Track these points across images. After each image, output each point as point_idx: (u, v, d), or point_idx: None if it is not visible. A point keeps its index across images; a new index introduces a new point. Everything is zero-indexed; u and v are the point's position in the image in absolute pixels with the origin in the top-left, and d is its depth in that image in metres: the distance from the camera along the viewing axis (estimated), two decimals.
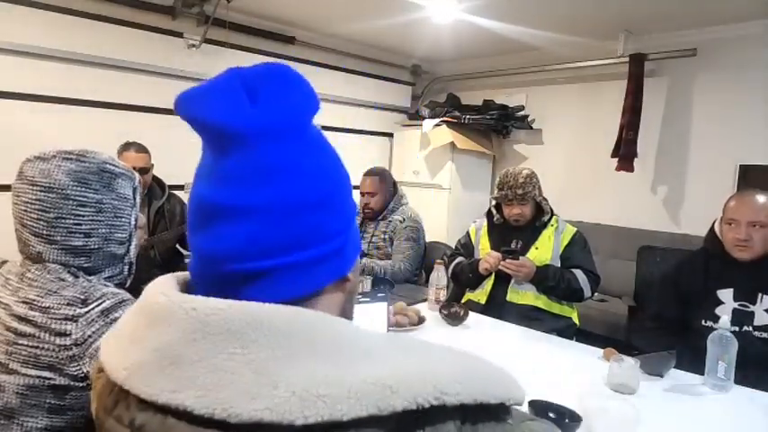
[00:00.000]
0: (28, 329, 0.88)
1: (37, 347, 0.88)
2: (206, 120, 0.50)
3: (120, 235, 1.02)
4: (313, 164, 0.53)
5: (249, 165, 0.49)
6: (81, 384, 0.90)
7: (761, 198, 1.71)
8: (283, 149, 0.51)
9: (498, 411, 0.50)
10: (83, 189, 0.96)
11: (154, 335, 0.48)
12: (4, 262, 1.03)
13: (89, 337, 0.89)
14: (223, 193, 0.50)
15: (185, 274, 0.56)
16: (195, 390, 0.44)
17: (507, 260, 2.11)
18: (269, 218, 0.49)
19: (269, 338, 0.45)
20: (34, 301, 0.90)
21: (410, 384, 0.44)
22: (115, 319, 0.92)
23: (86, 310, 0.91)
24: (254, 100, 0.50)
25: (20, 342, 0.88)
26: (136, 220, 1.06)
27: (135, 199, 1.05)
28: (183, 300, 0.48)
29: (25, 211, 0.95)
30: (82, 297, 0.92)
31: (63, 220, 0.94)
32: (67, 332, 0.88)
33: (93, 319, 0.90)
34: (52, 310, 0.89)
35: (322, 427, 0.42)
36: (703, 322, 1.76)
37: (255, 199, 0.49)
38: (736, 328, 1.69)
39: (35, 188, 0.94)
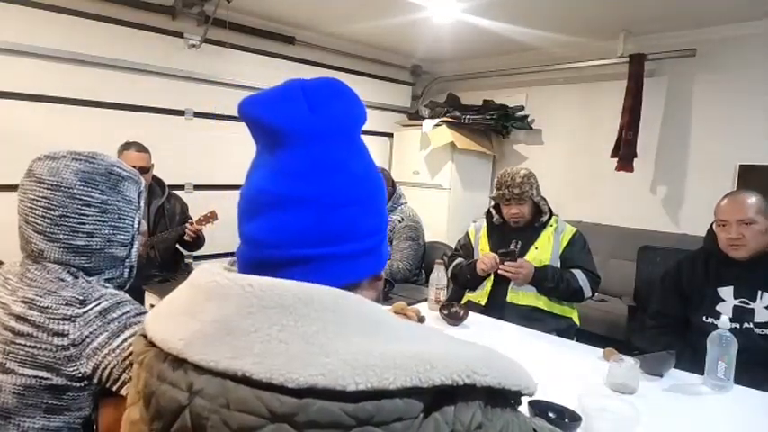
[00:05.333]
0: (26, 329, 0.88)
1: (34, 347, 0.88)
2: (270, 121, 0.56)
3: (122, 237, 1.02)
4: (361, 166, 0.60)
5: (306, 162, 0.56)
6: (78, 384, 0.90)
7: (747, 197, 1.75)
8: (335, 151, 0.57)
9: (514, 399, 0.54)
10: (89, 189, 0.97)
11: (211, 308, 0.52)
12: (0, 263, 1.03)
13: (86, 337, 0.89)
14: (280, 184, 0.55)
15: (226, 264, 0.62)
16: (252, 357, 0.48)
17: (506, 263, 2.11)
18: (320, 209, 0.55)
19: (319, 314, 0.50)
20: (33, 300, 0.90)
21: (446, 362, 0.48)
22: (113, 320, 0.92)
23: (84, 310, 0.91)
24: (312, 108, 0.57)
25: (17, 341, 0.88)
26: (139, 224, 1.06)
27: (140, 203, 1.06)
28: (239, 277, 0.53)
29: (30, 208, 0.95)
30: (80, 297, 0.92)
31: (67, 219, 0.95)
32: (65, 332, 0.88)
33: (90, 320, 0.90)
34: (50, 310, 0.89)
35: (371, 393, 0.46)
36: (704, 319, 1.78)
37: (309, 191, 0.55)
38: (737, 325, 1.70)
39: (42, 186, 0.95)
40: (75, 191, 0.95)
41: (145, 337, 0.58)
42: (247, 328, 0.50)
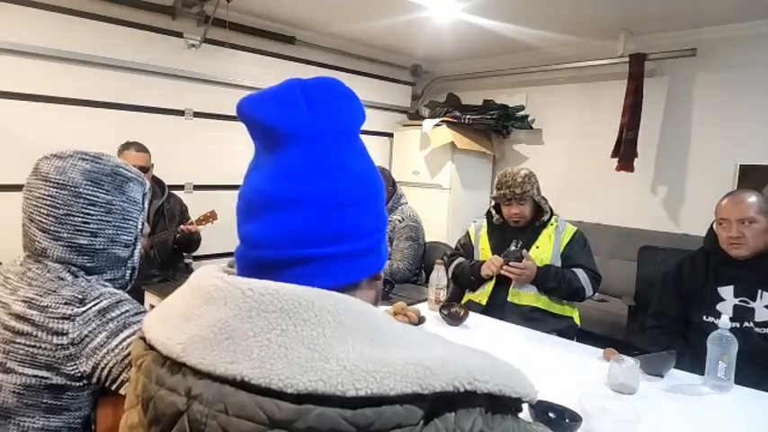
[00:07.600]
0: (26, 328, 0.88)
1: (34, 346, 0.88)
2: (268, 121, 0.56)
3: (126, 237, 1.02)
4: (360, 165, 0.59)
5: (304, 162, 0.55)
6: (78, 384, 0.90)
7: (748, 196, 1.76)
8: (334, 150, 0.57)
9: (515, 406, 0.54)
10: (95, 189, 0.97)
11: (210, 312, 0.52)
12: None
13: (86, 336, 0.89)
14: (278, 185, 0.55)
15: (225, 266, 0.61)
16: (251, 362, 0.47)
17: (511, 263, 2.11)
18: (318, 209, 0.55)
19: (319, 318, 0.49)
20: (33, 299, 0.90)
21: (447, 369, 0.48)
22: (112, 319, 0.92)
23: (83, 309, 0.91)
24: (310, 107, 0.56)
25: (17, 341, 0.88)
26: (143, 225, 1.06)
27: (144, 204, 1.06)
28: (239, 281, 0.52)
29: (36, 206, 0.95)
30: (80, 297, 0.92)
31: (72, 218, 0.95)
32: (64, 331, 0.88)
33: (89, 319, 0.90)
34: (50, 309, 0.89)
35: (371, 399, 0.45)
36: (705, 318, 1.79)
37: (308, 191, 0.55)
38: (737, 325, 1.70)
39: (48, 184, 0.95)
40: (80, 190, 0.96)
41: (143, 340, 0.58)
42: (246, 333, 0.49)
